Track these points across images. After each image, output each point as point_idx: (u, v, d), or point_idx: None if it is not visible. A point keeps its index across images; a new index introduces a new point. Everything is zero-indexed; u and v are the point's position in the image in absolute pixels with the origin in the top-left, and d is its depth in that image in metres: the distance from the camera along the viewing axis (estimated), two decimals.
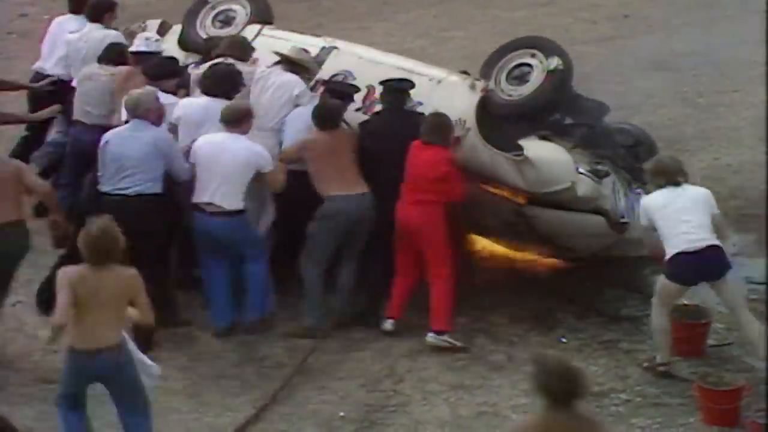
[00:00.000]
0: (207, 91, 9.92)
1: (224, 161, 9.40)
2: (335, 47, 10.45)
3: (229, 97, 9.83)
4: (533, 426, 6.22)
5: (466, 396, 8.92)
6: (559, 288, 10.09)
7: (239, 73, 10.02)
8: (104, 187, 9.41)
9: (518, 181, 9.54)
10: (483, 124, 9.64)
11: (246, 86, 10.04)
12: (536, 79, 9.88)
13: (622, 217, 9.81)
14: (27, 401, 8.75)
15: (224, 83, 9.87)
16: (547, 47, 10.03)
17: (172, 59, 10.45)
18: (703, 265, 8.83)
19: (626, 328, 9.62)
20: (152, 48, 10.54)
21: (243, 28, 10.84)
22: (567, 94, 9.99)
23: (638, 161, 10.28)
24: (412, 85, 9.77)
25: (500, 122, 9.73)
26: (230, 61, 10.19)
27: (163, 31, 11.05)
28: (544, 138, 9.79)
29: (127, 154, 9.31)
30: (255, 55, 10.40)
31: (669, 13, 15.39)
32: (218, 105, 9.75)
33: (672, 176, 9.00)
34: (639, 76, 14.13)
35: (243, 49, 10.40)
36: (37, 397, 8.75)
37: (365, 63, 10.27)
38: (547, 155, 9.57)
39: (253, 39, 10.62)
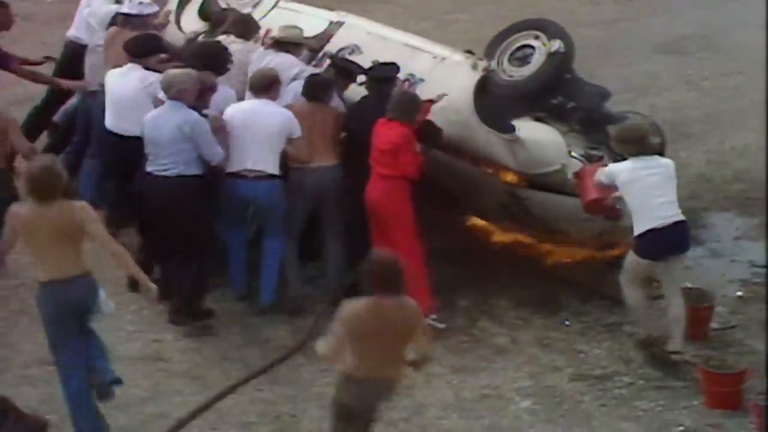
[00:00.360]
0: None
1: (259, 127, 9.44)
2: (344, 21, 10.46)
3: (218, 75, 9.82)
4: (364, 308, 7.08)
5: (469, 379, 8.93)
6: (563, 271, 10.08)
7: (225, 49, 10.00)
8: (148, 167, 9.44)
9: (510, 162, 9.53)
10: (481, 103, 9.63)
11: (244, 63, 10.07)
12: (537, 60, 9.87)
13: None
14: (30, 383, 8.77)
15: (212, 61, 9.84)
16: (550, 29, 10.01)
17: (155, 36, 10.46)
18: (671, 240, 8.78)
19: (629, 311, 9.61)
20: (136, 10, 10.59)
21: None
22: (568, 77, 9.96)
23: None
24: (396, 70, 9.79)
25: (499, 102, 9.71)
26: (232, 38, 10.20)
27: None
28: (539, 120, 9.77)
29: (158, 135, 9.31)
30: (270, 26, 10.43)
31: None
32: None
33: (642, 145, 8.86)
34: (643, 59, 14.11)
35: (246, 28, 10.41)
36: (41, 378, 8.76)
37: (373, 38, 10.31)
38: (539, 136, 9.56)
39: (270, 11, 10.63)
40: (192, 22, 10.97)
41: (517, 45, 10.02)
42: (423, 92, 9.72)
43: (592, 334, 9.40)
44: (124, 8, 10.67)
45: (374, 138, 9.37)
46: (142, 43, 10.16)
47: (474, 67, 9.81)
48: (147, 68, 9.91)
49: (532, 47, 9.96)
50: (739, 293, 9.82)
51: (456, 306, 9.69)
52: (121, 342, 9.22)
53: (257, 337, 9.46)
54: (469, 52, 10.12)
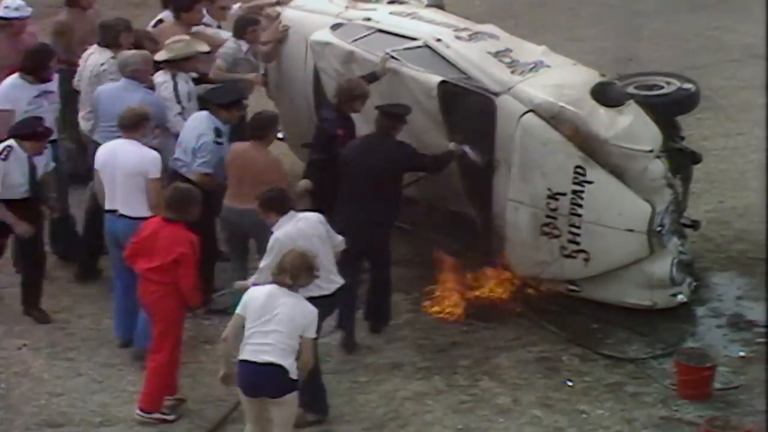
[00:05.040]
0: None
1: (118, 169, 9.61)
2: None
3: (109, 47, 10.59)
4: None
5: None
6: (564, 330, 10.08)
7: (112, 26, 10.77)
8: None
9: (606, 131, 9.78)
10: (597, 89, 10.06)
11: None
12: (665, 90, 10.53)
13: (661, 226, 9.87)
14: None
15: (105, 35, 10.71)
16: (685, 78, 10.70)
17: (47, 48, 10.86)
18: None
19: (632, 370, 9.60)
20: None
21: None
22: (679, 113, 10.49)
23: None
24: (407, 112, 9.93)
25: (615, 94, 10.14)
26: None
27: None
28: None
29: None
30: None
31: (673, 56, 15.40)
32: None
33: None
34: None
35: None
36: None
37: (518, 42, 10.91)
38: (645, 118, 9.97)
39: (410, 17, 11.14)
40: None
41: (648, 82, 10.66)
42: (545, 74, 10.26)
43: (594, 394, 9.37)
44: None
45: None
46: (35, 57, 10.57)
47: (602, 75, 10.46)
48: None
49: (661, 86, 10.58)
50: (742, 353, 9.80)
51: (457, 365, 9.67)
52: (122, 403, 9.22)
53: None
54: (602, 75, 10.58)
